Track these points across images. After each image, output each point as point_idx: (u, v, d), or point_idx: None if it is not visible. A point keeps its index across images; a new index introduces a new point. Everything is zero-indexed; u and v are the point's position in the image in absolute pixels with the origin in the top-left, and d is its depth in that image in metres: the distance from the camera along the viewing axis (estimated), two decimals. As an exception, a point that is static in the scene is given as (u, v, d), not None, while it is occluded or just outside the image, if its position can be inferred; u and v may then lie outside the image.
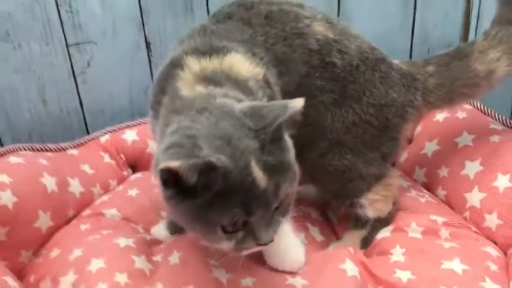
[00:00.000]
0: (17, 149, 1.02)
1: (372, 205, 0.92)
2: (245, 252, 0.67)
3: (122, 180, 1.16)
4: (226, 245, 0.66)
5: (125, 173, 1.18)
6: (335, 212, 1.02)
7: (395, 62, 0.94)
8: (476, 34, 1.36)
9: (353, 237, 0.94)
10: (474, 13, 1.34)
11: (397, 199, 0.96)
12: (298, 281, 0.72)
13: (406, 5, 1.36)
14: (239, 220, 0.63)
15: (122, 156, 1.18)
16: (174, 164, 0.58)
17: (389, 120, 0.88)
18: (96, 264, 0.78)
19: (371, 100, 0.86)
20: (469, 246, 0.85)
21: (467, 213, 0.96)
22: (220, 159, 0.60)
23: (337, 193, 0.93)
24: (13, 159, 0.97)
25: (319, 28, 0.85)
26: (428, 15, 1.37)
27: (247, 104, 0.68)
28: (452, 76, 0.92)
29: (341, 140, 0.86)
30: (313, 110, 0.84)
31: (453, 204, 1.00)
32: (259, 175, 0.62)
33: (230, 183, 0.60)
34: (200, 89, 0.72)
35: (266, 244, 0.66)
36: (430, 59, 0.96)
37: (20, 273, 0.89)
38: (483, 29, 1.32)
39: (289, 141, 0.69)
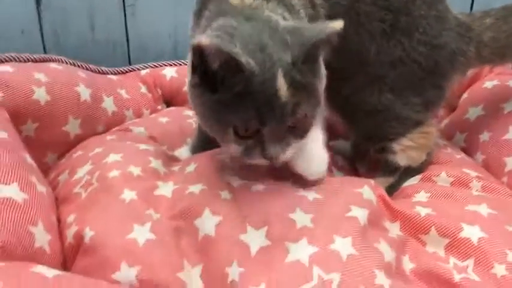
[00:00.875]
0: (59, 60, 1.04)
1: (404, 152, 0.87)
2: (251, 161, 0.67)
3: (155, 111, 1.16)
4: (234, 149, 0.66)
5: (159, 107, 1.19)
6: (364, 161, 0.98)
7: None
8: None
9: (378, 183, 0.89)
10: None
11: (432, 150, 0.90)
12: (311, 194, 0.70)
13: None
14: (252, 126, 0.63)
15: (159, 90, 1.20)
16: (205, 40, 0.58)
17: (438, 64, 0.83)
18: (113, 158, 0.79)
19: (423, 37, 0.81)
20: (499, 199, 0.79)
21: (505, 178, 0.90)
22: (248, 61, 0.60)
23: (370, 134, 0.88)
24: (53, 65, 0.99)
25: None
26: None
27: (291, 23, 0.68)
28: (509, 31, 0.87)
29: (382, 75, 0.82)
30: (358, 38, 0.80)
31: (491, 168, 0.94)
32: (283, 88, 0.62)
33: (253, 87, 0.61)
34: (249, 0, 0.71)
35: (272, 160, 0.65)
36: (489, 11, 0.91)
37: (43, 173, 0.91)
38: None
39: (322, 69, 0.69)
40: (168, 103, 1.22)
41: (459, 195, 0.78)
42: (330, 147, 1.00)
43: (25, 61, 0.98)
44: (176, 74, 1.21)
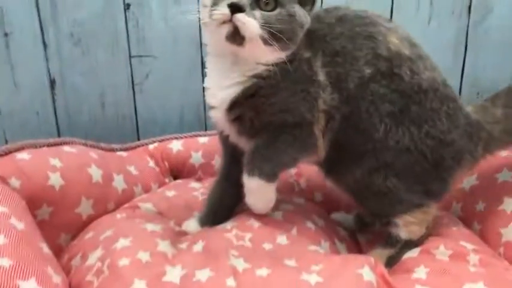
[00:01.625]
0: (72, 142, 1.10)
1: (406, 226, 0.91)
2: (216, 14, 0.76)
3: (162, 185, 1.21)
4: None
5: (167, 180, 1.24)
6: (366, 233, 1.02)
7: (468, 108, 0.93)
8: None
9: (379, 254, 0.92)
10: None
11: (431, 224, 0.94)
12: (313, 277, 0.73)
13: (457, 45, 1.37)
14: None
15: (166, 163, 1.25)
16: None
17: (444, 159, 0.87)
18: (123, 243, 0.83)
19: (432, 131, 0.84)
20: (497, 274, 0.82)
21: (501, 249, 0.93)
22: None
23: (375, 211, 0.94)
24: (66, 148, 1.05)
25: (395, 40, 0.85)
26: (479, 58, 1.38)
27: None
28: None
29: (390, 162, 0.85)
30: (368, 116, 0.84)
31: (488, 238, 0.97)
32: None
33: None
34: None
35: (233, 6, 0.75)
36: (497, 98, 0.94)
37: (56, 255, 0.95)
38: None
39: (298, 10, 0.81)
40: (175, 176, 1.27)
41: (457, 271, 0.81)
42: (332, 219, 1.06)
43: (40, 146, 1.04)
44: (182, 147, 1.26)
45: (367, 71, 0.84)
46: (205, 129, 1.39)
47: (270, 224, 0.91)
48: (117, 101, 1.30)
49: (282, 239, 0.87)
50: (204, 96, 1.32)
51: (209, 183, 1.21)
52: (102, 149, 1.17)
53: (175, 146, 1.26)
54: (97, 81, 1.27)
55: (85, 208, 0.99)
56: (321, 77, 0.84)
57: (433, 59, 1.33)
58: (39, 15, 1.16)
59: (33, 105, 1.21)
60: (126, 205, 1.07)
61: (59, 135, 1.25)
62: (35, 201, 0.92)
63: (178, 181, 1.23)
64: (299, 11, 0.81)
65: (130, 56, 1.28)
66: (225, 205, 0.99)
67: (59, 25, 1.19)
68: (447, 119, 0.85)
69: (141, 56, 1.29)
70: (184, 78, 1.35)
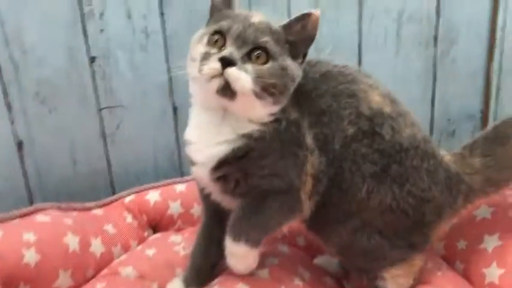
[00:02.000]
0: (44, 208, 1.06)
1: (393, 279, 0.91)
2: (206, 68, 0.76)
3: (142, 240, 1.18)
4: (199, 50, 0.79)
5: (146, 233, 1.21)
6: (352, 283, 1.01)
7: (444, 154, 0.93)
8: (496, 104, 1.37)
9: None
10: (494, 83, 1.36)
11: (417, 275, 0.94)
12: None
13: (426, 74, 1.39)
14: (219, 40, 0.79)
15: (144, 216, 1.22)
16: None
17: (425, 215, 0.87)
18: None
19: (413, 189, 0.84)
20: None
21: (486, 290, 0.94)
22: None
23: (361, 267, 0.93)
24: (40, 217, 1.01)
25: (376, 98, 0.85)
26: (448, 86, 1.40)
27: None
28: (499, 166, 0.91)
29: (373, 221, 0.86)
30: (350, 175, 0.83)
31: (472, 278, 0.98)
32: (257, 16, 0.81)
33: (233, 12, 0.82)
34: None
35: (226, 60, 0.75)
36: (474, 146, 0.93)
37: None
38: (503, 99, 1.35)
39: (290, 64, 0.81)
40: (154, 227, 1.24)
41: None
42: (317, 268, 1.05)
43: (12, 219, 1.00)
44: (160, 197, 1.23)
45: (350, 130, 0.83)
46: (181, 175, 1.37)
47: (257, 286, 0.90)
48: (89, 156, 1.26)
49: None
50: (177, 142, 1.34)
51: (189, 234, 1.19)
52: (76, 209, 1.13)
53: (153, 197, 1.23)
54: (66, 138, 1.23)
55: (63, 281, 0.96)
56: (309, 140, 0.83)
57: (403, 90, 1.36)
58: (1, 77, 1.12)
59: (0, 171, 1.16)
60: (105, 270, 1.04)
61: (30, 199, 1.21)
62: (11, 281, 0.89)
63: (157, 236, 1.20)
64: (291, 64, 0.81)
65: (99, 109, 1.24)
66: (209, 263, 0.97)
67: (22, 85, 1.15)
68: (428, 176, 0.85)
69: (110, 107, 1.26)
70: (156, 125, 1.32)
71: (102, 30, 1.20)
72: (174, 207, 1.24)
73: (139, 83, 1.27)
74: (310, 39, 0.82)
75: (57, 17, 1.15)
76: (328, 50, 1.36)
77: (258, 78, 0.77)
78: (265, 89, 0.77)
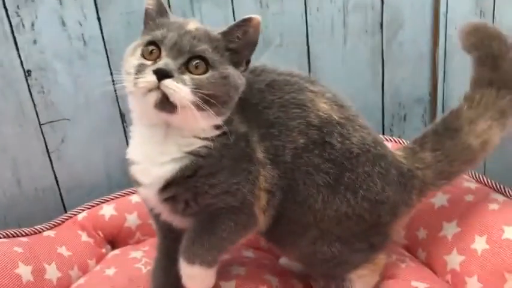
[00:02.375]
0: (-10, 236, 1.00)
1: (359, 279, 0.91)
2: (141, 82, 0.72)
3: (100, 258, 1.14)
4: (133, 63, 0.75)
5: (104, 250, 1.16)
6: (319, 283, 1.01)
7: (394, 150, 0.93)
8: (444, 87, 1.39)
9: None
10: (440, 67, 1.37)
11: (382, 270, 0.95)
12: None
13: (374, 61, 1.39)
14: (155, 52, 0.75)
15: (100, 233, 1.17)
16: None
17: (381, 216, 0.87)
18: None
19: (367, 194, 0.84)
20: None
21: (448, 276, 0.96)
22: None
23: (325, 274, 0.93)
24: (-14, 250, 0.95)
25: (323, 105, 0.84)
26: (397, 71, 1.41)
27: None
28: (449, 159, 0.91)
29: (331, 229, 0.85)
30: (305, 187, 0.82)
31: (434, 266, 1.00)
32: (193, 24, 0.78)
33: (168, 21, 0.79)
34: None
35: (160, 73, 0.71)
36: (424, 140, 0.93)
37: None
38: (450, 82, 1.37)
39: (231, 72, 0.77)
40: (111, 242, 1.20)
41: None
42: (284, 272, 1.04)
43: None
44: (115, 211, 1.19)
45: (300, 141, 0.82)
46: (136, 183, 1.32)
47: (225, 301, 0.88)
48: (34, 175, 1.20)
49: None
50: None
51: (150, 246, 1.16)
52: (26, 234, 1.07)
53: (107, 211, 1.18)
54: (8, 158, 1.16)
55: (20, 315, 0.91)
56: (260, 154, 0.81)
57: (353, 77, 1.37)
58: None
59: None
60: (64, 298, 0.99)
61: (-25, 227, 1.13)
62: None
63: (116, 252, 1.15)
64: (233, 72, 0.77)
65: (40, 124, 1.17)
66: (171, 283, 0.92)
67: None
68: (380, 179, 0.85)
69: (52, 122, 1.19)
70: (105, 134, 1.26)
71: (35, 41, 1.12)
72: (131, 220, 1.19)
73: (82, 93, 1.21)
74: (252, 44, 0.78)
75: (-17, 32, 1.07)
76: (276, 41, 1.34)
77: (196, 89, 0.72)
78: (206, 100, 0.73)
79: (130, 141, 0.85)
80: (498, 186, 1.04)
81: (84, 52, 1.18)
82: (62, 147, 1.22)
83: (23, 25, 1.10)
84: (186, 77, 0.73)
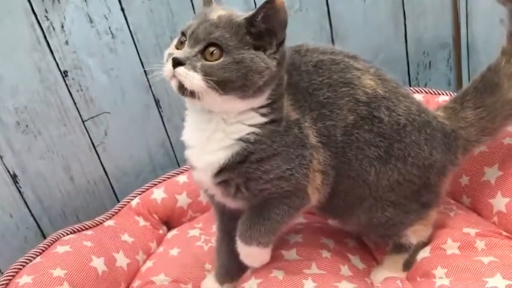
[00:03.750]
0: (59, 236, 1.06)
1: (415, 233, 0.95)
2: (164, 70, 0.77)
3: (159, 239, 1.21)
4: (167, 52, 0.80)
5: (161, 231, 1.23)
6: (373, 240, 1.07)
7: (435, 111, 0.94)
8: (467, 31, 1.39)
9: (394, 262, 0.98)
10: (463, 11, 1.37)
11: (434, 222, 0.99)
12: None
13: (396, 14, 1.39)
14: (184, 41, 0.79)
15: (155, 216, 1.23)
16: None
17: (430, 178, 0.90)
18: None
19: (415, 161, 0.87)
20: (505, 257, 0.90)
21: (495, 218, 1.00)
22: None
23: (383, 236, 0.98)
24: (60, 248, 1.01)
25: (369, 82, 0.86)
26: (419, 20, 1.41)
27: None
28: (492, 115, 0.93)
29: (384, 197, 0.89)
30: (358, 163, 0.86)
31: (480, 210, 1.04)
32: (217, 11, 0.79)
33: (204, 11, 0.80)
34: None
35: (174, 61, 0.74)
36: (464, 99, 0.95)
37: None
38: (473, 24, 1.37)
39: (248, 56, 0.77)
40: (167, 223, 1.26)
41: (474, 268, 0.87)
42: (336, 231, 1.09)
43: (34, 257, 0.99)
44: (165, 193, 1.24)
45: (350, 117, 0.84)
46: (177, 163, 1.37)
47: (291, 268, 0.93)
48: (84, 169, 1.25)
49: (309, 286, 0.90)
50: (167, 132, 1.33)
51: (204, 222, 1.22)
52: (89, 227, 1.13)
53: (158, 194, 1.24)
54: (59, 158, 1.21)
55: (101, 303, 0.98)
56: (312, 139, 0.83)
57: (376, 33, 1.37)
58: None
59: (2, 205, 1.16)
60: (137, 281, 1.06)
61: (38, 226, 1.20)
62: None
63: (175, 232, 1.22)
64: (252, 56, 0.77)
65: (83, 121, 1.21)
66: (235, 258, 0.95)
67: (2, 119, 1.11)
68: (427, 145, 0.88)
69: (93, 117, 1.22)
70: (143, 121, 1.30)
71: (67, 42, 1.14)
72: (182, 200, 1.25)
73: (117, 84, 1.24)
74: (280, 25, 0.77)
75: (18, 42, 1.10)
76: (296, 6, 1.34)
77: (206, 75, 0.74)
78: (221, 86, 0.75)
79: (185, 124, 0.89)
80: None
81: (114, 45, 1.20)
82: (106, 139, 1.26)
83: (53, 28, 1.11)
84: (198, 63, 0.75)
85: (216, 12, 0.80)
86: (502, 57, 0.92)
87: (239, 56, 0.76)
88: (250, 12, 0.78)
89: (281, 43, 0.80)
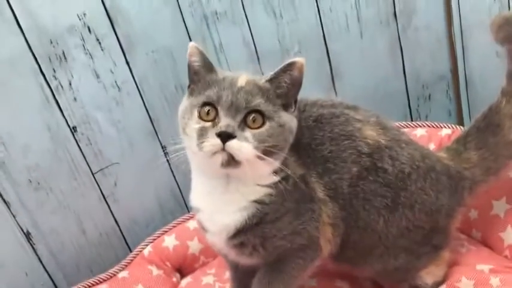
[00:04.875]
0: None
1: (429, 274, 0.96)
2: (207, 146, 0.75)
3: (174, 287, 1.21)
4: (193, 127, 0.77)
5: (174, 279, 1.22)
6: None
7: (438, 153, 0.96)
8: (464, 62, 1.42)
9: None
10: (458, 44, 1.40)
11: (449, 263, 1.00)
12: None
13: (393, 49, 1.42)
14: (211, 112, 0.77)
15: (168, 263, 1.23)
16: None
17: (439, 222, 0.92)
18: None
19: (423, 207, 0.88)
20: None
21: (507, 252, 1.02)
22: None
23: (397, 280, 0.98)
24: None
25: (370, 132, 0.87)
26: (416, 54, 1.44)
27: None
28: (495, 156, 0.94)
29: (395, 244, 0.90)
30: (365, 213, 0.87)
31: (491, 244, 1.06)
32: (243, 78, 0.80)
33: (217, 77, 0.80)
34: None
35: (223, 135, 0.74)
36: (466, 140, 0.96)
37: None
38: (470, 56, 1.40)
39: (285, 118, 0.80)
40: (179, 270, 1.26)
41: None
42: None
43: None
44: (176, 240, 1.25)
45: (354, 169, 0.86)
46: (187, 208, 1.38)
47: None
48: (96, 222, 1.26)
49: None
50: (175, 179, 1.34)
51: (216, 269, 1.22)
52: (103, 280, 1.14)
53: (169, 242, 1.24)
54: (71, 212, 1.22)
55: None
56: (319, 192, 0.85)
57: (374, 69, 1.41)
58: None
59: (17, 263, 1.16)
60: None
61: (54, 284, 1.21)
62: None
63: (189, 280, 1.22)
64: (286, 117, 0.80)
65: (93, 174, 1.23)
66: None
67: (14, 178, 1.12)
68: (433, 190, 0.89)
69: (102, 169, 1.24)
70: (151, 169, 1.31)
71: (75, 99, 1.16)
72: (193, 246, 1.25)
73: (124, 135, 1.26)
74: (298, 85, 0.80)
75: (28, 102, 1.12)
76: (294, 49, 1.37)
77: (259, 144, 0.76)
78: (268, 151, 0.77)
79: (192, 189, 0.89)
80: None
81: (120, 98, 1.22)
82: (116, 190, 1.27)
83: (62, 86, 1.14)
84: (248, 134, 0.76)
85: (242, 79, 0.80)
86: (502, 98, 0.94)
87: (280, 119, 0.79)
88: (272, 74, 0.80)
89: (296, 101, 0.83)
